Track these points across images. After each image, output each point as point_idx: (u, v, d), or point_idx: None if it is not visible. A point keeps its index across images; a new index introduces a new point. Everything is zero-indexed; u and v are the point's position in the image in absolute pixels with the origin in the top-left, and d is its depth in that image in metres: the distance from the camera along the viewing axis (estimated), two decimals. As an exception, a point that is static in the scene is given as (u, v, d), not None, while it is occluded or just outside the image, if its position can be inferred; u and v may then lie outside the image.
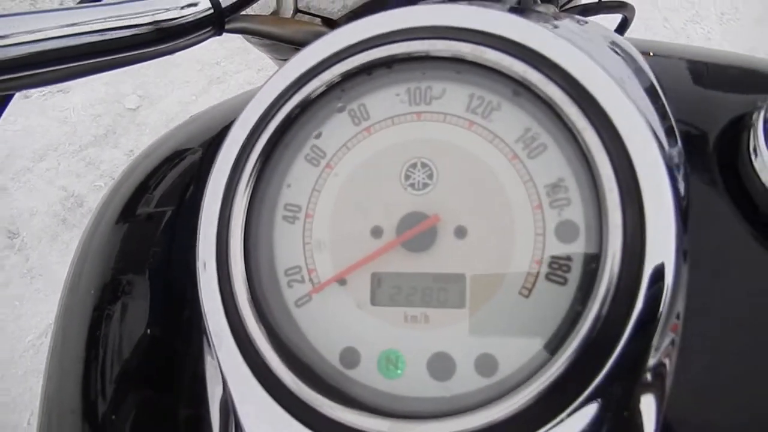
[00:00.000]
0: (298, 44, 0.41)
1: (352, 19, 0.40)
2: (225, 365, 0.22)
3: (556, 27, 0.22)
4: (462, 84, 0.22)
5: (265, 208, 0.23)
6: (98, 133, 1.67)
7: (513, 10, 0.23)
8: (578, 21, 0.27)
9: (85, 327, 0.37)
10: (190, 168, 0.38)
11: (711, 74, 0.31)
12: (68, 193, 1.58)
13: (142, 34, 0.30)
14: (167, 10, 0.31)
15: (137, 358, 0.35)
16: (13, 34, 0.26)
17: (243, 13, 0.35)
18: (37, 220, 1.52)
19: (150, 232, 0.40)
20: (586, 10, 0.72)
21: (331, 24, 0.40)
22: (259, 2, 0.38)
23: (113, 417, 0.32)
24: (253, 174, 0.23)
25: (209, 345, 0.23)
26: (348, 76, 0.23)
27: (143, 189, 0.41)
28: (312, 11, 0.40)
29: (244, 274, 0.22)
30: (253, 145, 0.23)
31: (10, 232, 1.51)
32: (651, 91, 0.23)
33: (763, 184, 0.24)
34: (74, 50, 0.28)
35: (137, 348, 0.35)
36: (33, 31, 0.27)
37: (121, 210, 0.39)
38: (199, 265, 0.23)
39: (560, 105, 0.20)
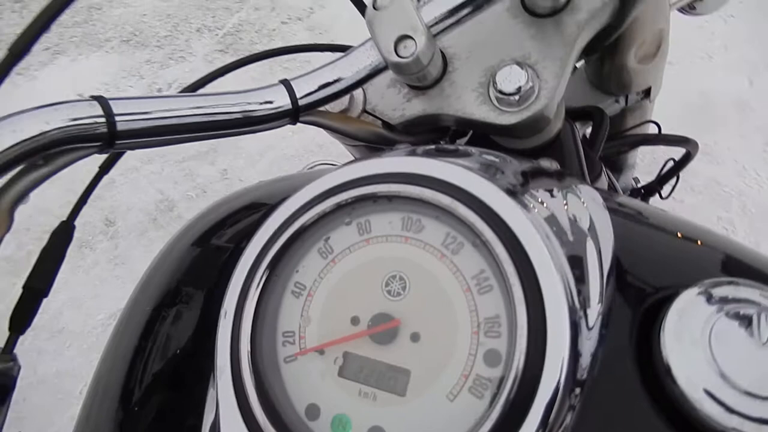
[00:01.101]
0: (360, 140, 0.49)
1: (407, 127, 0.47)
2: (221, 394, 0.29)
3: (525, 195, 0.29)
4: (442, 224, 0.29)
5: (279, 282, 0.31)
6: (202, 150, 1.85)
7: (486, 172, 0.29)
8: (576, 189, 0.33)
9: (138, 331, 0.46)
10: (243, 231, 0.47)
11: (676, 245, 0.36)
12: (163, 197, 1.76)
13: (234, 119, 0.39)
14: (255, 103, 0.39)
15: (170, 366, 0.43)
16: (146, 111, 0.36)
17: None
18: (132, 215, 1.70)
19: (205, 270, 0.49)
20: (646, 141, 0.76)
21: (389, 127, 0.48)
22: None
23: (137, 410, 0.40)
24: (275, 257, 0.30)
25: (214, 376, 0.30)
26: (357, 200, 0.30)
27: (206, 237, 0.51)
28: (376, 113, 0.48)
29: (251, 329, 0.29)
30: (279, 237, 0.30)
31: (108, 220, 1.70)
32: (578, 240, 0.28)
33: (665, 365, 0.28)
34: (187, 127, 0.37)
35: (172, 358, 0.44)
36: (159, 110, 0.36)
37: (184, 249, 0.48)
38: (222, 313, 0.31)
39: (500, 257, 0.26)
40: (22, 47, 0.37)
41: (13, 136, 0.32)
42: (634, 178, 1.05)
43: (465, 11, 0.39)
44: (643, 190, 0.96)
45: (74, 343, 1.53)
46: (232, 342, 0.29)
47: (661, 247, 0.35)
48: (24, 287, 0.36)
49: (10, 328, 0.35)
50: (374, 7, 0.40)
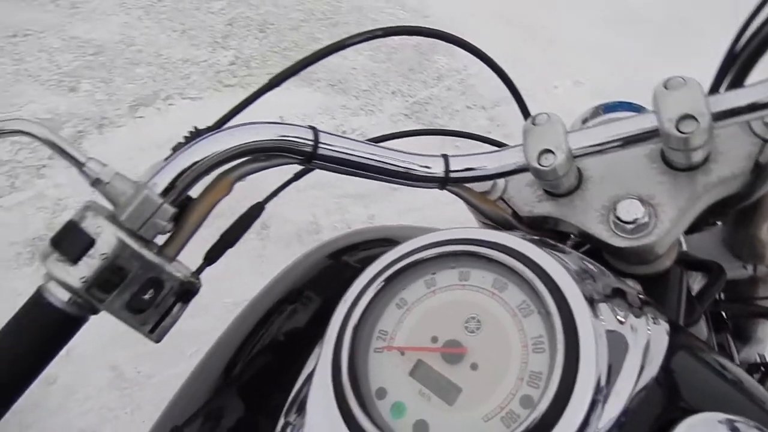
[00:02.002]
0: (490, 220, 0.59)
1: (532, 222, 0.56)
2: (322, 357, 0.39)
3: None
4: (522, 291, 0.37)
5: (388, 294, 0.40)
6: (360, 192, 2.06)
7: (573, 270, 0.37)
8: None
9: (258, 317, 0.59)
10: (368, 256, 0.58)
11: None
12: (314, 221, 1.98)
13: (398, 172, 0.51)
14: (418, 165, 0.51)
15: (277, 350, 0.56)
16: (341, 147, 0.49)
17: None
18: (285, 227, 1.93)
19: (329, 280, 0.63)
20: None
21: (517, 218, 0.57)
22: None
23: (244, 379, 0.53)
24: (392, 275, 0.40)
25: (321, 344, 0.40)
26: (466, 254, 0.39)
27: (336, 255, 0.64)
28: (510, 203, 0.58)
29: (359, 318, 0.39)
30: (399, 262, 0.40)
31: (265, 224, 1.95)
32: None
33: None
34: (364, 166, 0.50)
35: (280, 343, 0.56)
36: (350, 149, 0.49)
37: (316, 261, 0.62)
38: (342, 300, 0.41)
39: (557, 338, 0.34)
40: (279, 81, 0.53)
41: (252, 136, 0.47)
42: (759, 355, 1.01)
43: (607, 147, 0.48)
44: (763, 368, 0.92)
45: (199, 315, 1.75)
46: (343, 322, 0.40)
47: (703, 386, 0.40)
48: (221, 236, 0.50)
49: (204, 259, 0.49)
50: (533, 123, 0.50)
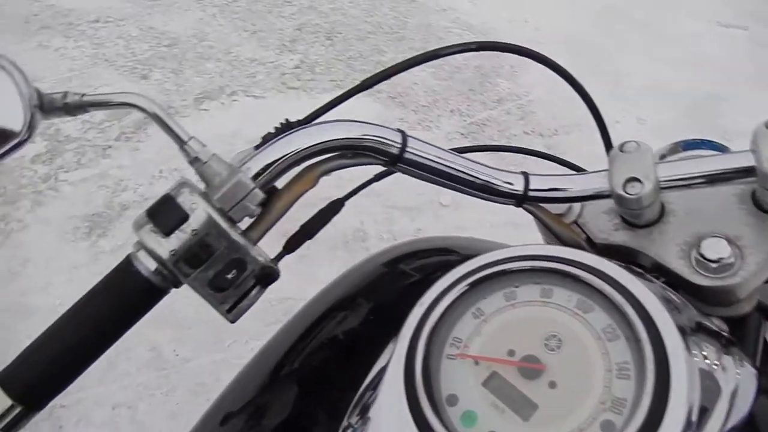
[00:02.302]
0: (563, 243, 0.58)
1: (605, 250, 0.55)
2: (396, 354, 0.39)
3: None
4: (608, 315, 0.37)
5: (466, 303, 0.40)
6: (408, 206, 2.07)
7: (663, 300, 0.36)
8: None
9: (312, 320, 0.60)
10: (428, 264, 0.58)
11: None
12: (361, 228, 1.99)
13: (476, 184, 0.51)
14: (497, 179, 0.51)
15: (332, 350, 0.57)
16: (426, 154, 0.49)
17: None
18: (332, 231, 1.95)
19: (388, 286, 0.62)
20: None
21: (591, 244, 0.56)
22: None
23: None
24: (472, 285, 0.40)
25: (395, 340, 0.40)
26: (552, 271, 0.39)
27: (394, 262, 0.65)
28: (584, 228, 0.57)
29: (435, 322, 0.39)
30: (479, 272, 0.40)
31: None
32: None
33: None
34: (445, 174, 0.51)
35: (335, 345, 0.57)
36: (434, 156, 0.49)
37: (373, 268, 0.63)
38: (419, 302, 0.41)
39: (647, 367, 0.33)
40: (371, 83, 0.54)
41: (343, 132, 0.48)
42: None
43: (696, 182, 0.47)
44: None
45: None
46: (418, 325, 0.40)
47: None
48: (301, 227, 0.51)
49: (284, 248, 0.50)
50: (620, 149, 0.49)
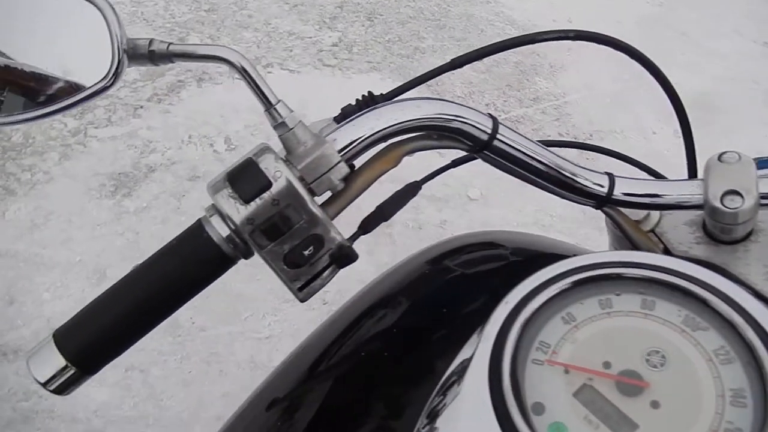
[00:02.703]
0: (635, 247, 0.55)
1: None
2: (480, 350, 0.36)
3: None
4: (720, 335, 0.34)
5: (556, 306, 0.37)
6: (436, 196, 2.03)
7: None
8: None
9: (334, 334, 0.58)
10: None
11: None
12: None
13: (559, 180, 0.48)
14: (582, 177, 0.48)
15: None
16: (515, 143, 0.47)
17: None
18: (357, 216, 1.93)
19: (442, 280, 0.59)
20: None
21: (668, 253, 0.53)
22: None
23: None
24: (567, 288, 0.37)
25: (479, 334, 0.38)
26: (655, 281, 0.36)
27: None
28: (662, 238, 0.54)
29: (523, 324, 0.37)
30: (573, 275, 0.37)
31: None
32: None
33: None
34: (531, 168, 0.48)
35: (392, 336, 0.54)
36: (522, 147, 0.46)
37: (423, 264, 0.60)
38: (503, 300, 0.38)
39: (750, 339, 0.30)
40: (461, 63, 0.51)
41: (434, 110, 0.45)
42: None
43: None
44: None
45: (257, 280, 1.77)
46: (504, 326, 0.37)
47: None
48: (377, 208, 0.48)
49: (359, 228, 0.47)
50: (719, 159, 0.46)
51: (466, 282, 0.56)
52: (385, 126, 0.44)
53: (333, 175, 0.41)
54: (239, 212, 0.39)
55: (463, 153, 0.53)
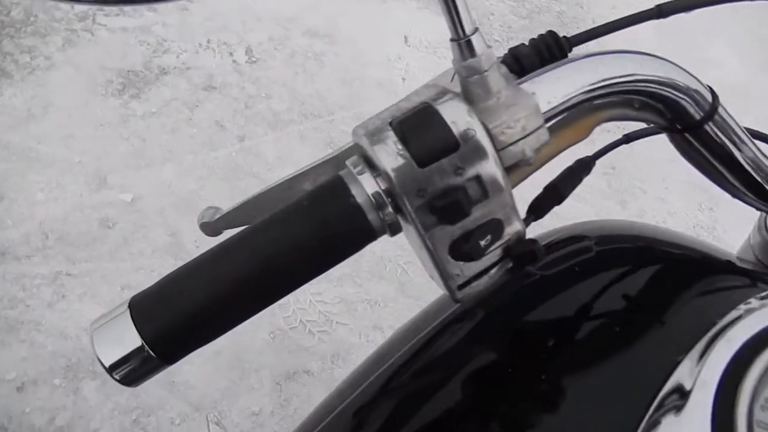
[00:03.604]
0: None
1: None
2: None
3: None
4: None
5: None
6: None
7: None
8: None
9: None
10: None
11: None
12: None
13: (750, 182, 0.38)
14: None
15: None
16: None
17: None
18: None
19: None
20: None
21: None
22: None
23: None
24: None
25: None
26: None
27: None
28: None
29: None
30: None
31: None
32: None
33: None
34: (733, 167, 0.38)
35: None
36: None
37: None
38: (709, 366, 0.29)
39: None
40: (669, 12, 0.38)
41: (649, 70, 0.34)
42: None
43: None
44: None
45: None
46: (729, 372, 0.28)
47: None
48: (545, 189, 0.37)
49: (528, 212, 0.36)
50: None
51: (602, 282, 0.46)
52: (596, 82, 0.33)
53: (529, 143, 0.30)
54: (410, 177, 0.28)
55: (642, 125, 0.42)
